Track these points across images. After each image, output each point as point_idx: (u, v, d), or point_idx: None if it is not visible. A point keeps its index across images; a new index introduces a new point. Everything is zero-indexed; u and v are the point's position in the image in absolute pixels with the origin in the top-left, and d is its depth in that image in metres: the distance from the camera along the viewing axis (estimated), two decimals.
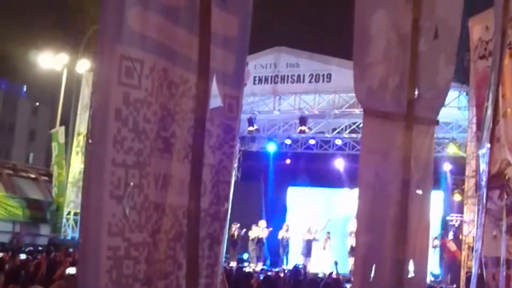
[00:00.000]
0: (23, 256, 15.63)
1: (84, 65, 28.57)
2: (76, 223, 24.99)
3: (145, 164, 3.50)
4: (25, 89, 58.93)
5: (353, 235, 17.54)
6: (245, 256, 24.27)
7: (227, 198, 4.13)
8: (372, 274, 4.85)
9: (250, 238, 23.48)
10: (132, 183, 3.40)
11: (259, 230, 23.39)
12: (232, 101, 4.20)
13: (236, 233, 23.51)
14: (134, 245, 3.42)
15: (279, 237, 23.44)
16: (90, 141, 3.27)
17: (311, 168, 27.01)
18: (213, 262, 3.98)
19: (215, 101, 3.92)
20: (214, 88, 3.91)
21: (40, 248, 20.59)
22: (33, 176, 28.92)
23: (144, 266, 3.47)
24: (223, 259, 4.23)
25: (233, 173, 4.19)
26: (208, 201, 3.97)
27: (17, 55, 50.99)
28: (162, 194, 3.62)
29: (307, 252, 22.80)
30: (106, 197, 3.29)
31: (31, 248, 19.63)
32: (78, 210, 24.88)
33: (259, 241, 23.36)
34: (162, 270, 3.62)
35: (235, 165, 4.20)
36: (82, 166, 23.76)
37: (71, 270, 9.55)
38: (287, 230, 23.69)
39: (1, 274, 7.72)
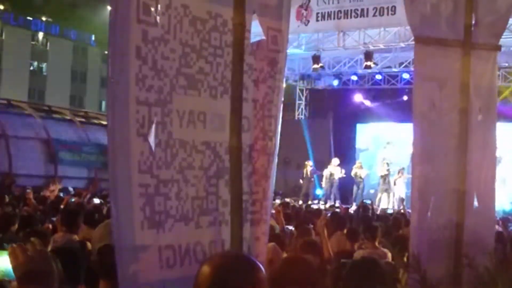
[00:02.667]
0: (97, 201, 16.11)
1: None
2: None
3: (166, 101, 3.46)
4: (93, 38, 59.89)
5: None
6: (318, 193, 24.39)
7: (274, 133, 4.06)
8: (431, 206, 4.73)
9: (324, 176, 23.57)
10: (155, 121, 3.37)
11: (332, 168, 23.43)
12: (276, 33, 4.08)
13: (309, 171, 23.66)
14: (163, 181, 3.41)
15: (352, 173, 23.41)
16: (111, 80, 3.24)
17: (379, 103, 26.62)
18: (261, 197, 3.94)
19: (256, 34, 3.82)
20: (255, 21, 3.80)
21: None
22: (104, 123, 29.50)
23: (175, 203, 3.47)
24: (272, 195, 4.19)
25: (280, 108, 4.10)
26: (253, 136, 3.92)
27: (84, 5, 51.77)
28: (188, 130, 3.58)
29: (383, 188, 22.74)
30: (133, 135, 3.28)
31: (106, 193, 20.16)
32: None
33: (331, 178, 23.42)
34: (203, 207, 3.61)
35: (282, 99, 4.11)
36: None
37: None
38: (361, 167, 23.63)
39: (80, 218, 7.99)
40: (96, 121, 30.23)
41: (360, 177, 23.45)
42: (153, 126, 3.36)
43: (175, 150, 3.50)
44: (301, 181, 24.20)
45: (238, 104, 3.44)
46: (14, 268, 2.28)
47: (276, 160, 4.06)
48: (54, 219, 10.16)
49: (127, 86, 3.27)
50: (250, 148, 3.87)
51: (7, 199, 16.27)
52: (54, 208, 13.27)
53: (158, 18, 3.43)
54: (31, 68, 56.77)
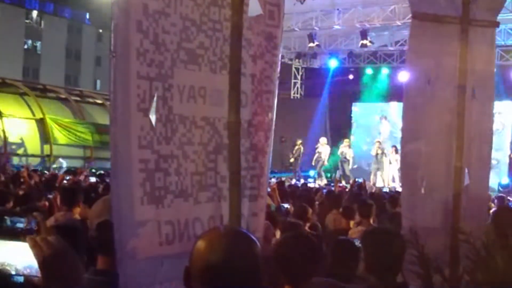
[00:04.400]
0: (93, 179, 16.16)
1: None
2: None
3: (167, 76, 3.44)
4: (88, 16, 59.62)
5: None
6: (311, 172, 24.47)
7: (271, 108, 4.04)
8: (424, 183, 4.75)
9: (316, 155, 23.68)
10: (156, 95, 3.35)
11: (320, 147, 23.52)
12: (273, 8, 4.06)
13: (301, 149, 23.76)
14: (163, 157, 3.40)
15: (338, 152, 23.49)
16: (114, 54, 3.22)
17: (375, 82, 26.64)
18: (258, 173, 3.94)
19: (254, 8, 3.79)
20: None
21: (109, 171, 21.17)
22: (99, 101, 29.53)
23: (175, 178, 3.45)
24: (269, 170, 4.19)
25: (277, 83, 4.09)
26: (251, 112, 3.90)
27: None
28: (189, 106, 3.57)
29: (375, 167, 22.89)
30: (134, 110, 3.25)
31: (102, 172, 20.19)
32: None
33: (319, 158, 23.54)
34: (202, 183, 3.60)
35: (278, 74, 4.09)
36: None
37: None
38: (348, 147, 23.71)
39: (79, 195, 7.99)
40: (91, 100, 30.21)
41: (345, 157, 23.53)
42: (154, 101, 3.34)
43: (175, 125, 3.47)
44: (291, 159, 24.25)
45: (236, 79, 3.41)
46: (40, 262, 2.15)
47: (272, 136, 4.06)
48: (50, 196, 10.19)
49: (128, 60, 3.24)
50: (248, 124, 3.86)
51: (2, 177, 16.33)
52: (49, 185, 13.33)
53: None
54: (25, 46, 56.51)
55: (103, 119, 28.60)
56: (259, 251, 2.17)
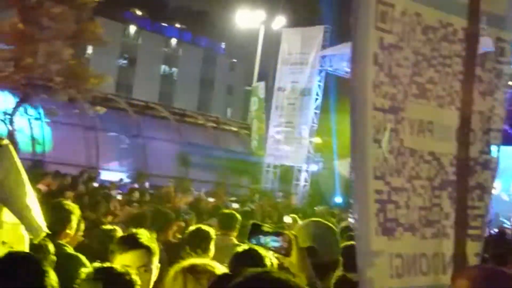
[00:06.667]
0: (235, 205, 16.46)
1: (280, 22, 29.24)
2: (274, 175, 25.84)
3: (399, 109, 3.45)
4: (223, 46, 61.29)
5: None
6: None
7: (498, 148, 3.96)
8: None
9: None
10: (389, 127, 3.37)
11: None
12: (504, 44, 3.98)
13: None
14: (394, 189, 3.40)
15: None
16: (352, 85, 3.29)
17: None
18: (482, 213, 3.84)
19: (486, 44, 3.73)
20: (484, 31, 3.71)
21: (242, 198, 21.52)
22: (234, 129, 30.17)
23: (404, 211, 3.45)
24: (492, 211, 4.08)
25: (502, 121, 3.99)
26: (477, 150, 3.82)
27: (216, 14, 53.15)
28: (418, 139, 3.55)
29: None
30: (369, 140, 3.29)
31: (234, 198, 20.55)
32: (277, 163, 25.74)
33: None
34: (427, 218, 3.57)
35: (505, 112, 3.99)
36: (282, 120, 24.59)
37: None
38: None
39: (237, 220, 8.14)
40: (225, 127, 30.95)
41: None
42: (387, 133, 3.35)
43: (405, 158, 3.48)
44: None
45: (467, 116, 3.39)
46: None
47: (496, 175, 3.94)
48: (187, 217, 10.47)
49: (365, 92, 3.29)
50: (474, 162, 3.78)
51: (147, 196, 16.97)
52: (192, 208, 13.79)
53: (393, 25, 3.43)
54: (162, 72, 58.83)
55: (237, 146, 29.22)
56: None
